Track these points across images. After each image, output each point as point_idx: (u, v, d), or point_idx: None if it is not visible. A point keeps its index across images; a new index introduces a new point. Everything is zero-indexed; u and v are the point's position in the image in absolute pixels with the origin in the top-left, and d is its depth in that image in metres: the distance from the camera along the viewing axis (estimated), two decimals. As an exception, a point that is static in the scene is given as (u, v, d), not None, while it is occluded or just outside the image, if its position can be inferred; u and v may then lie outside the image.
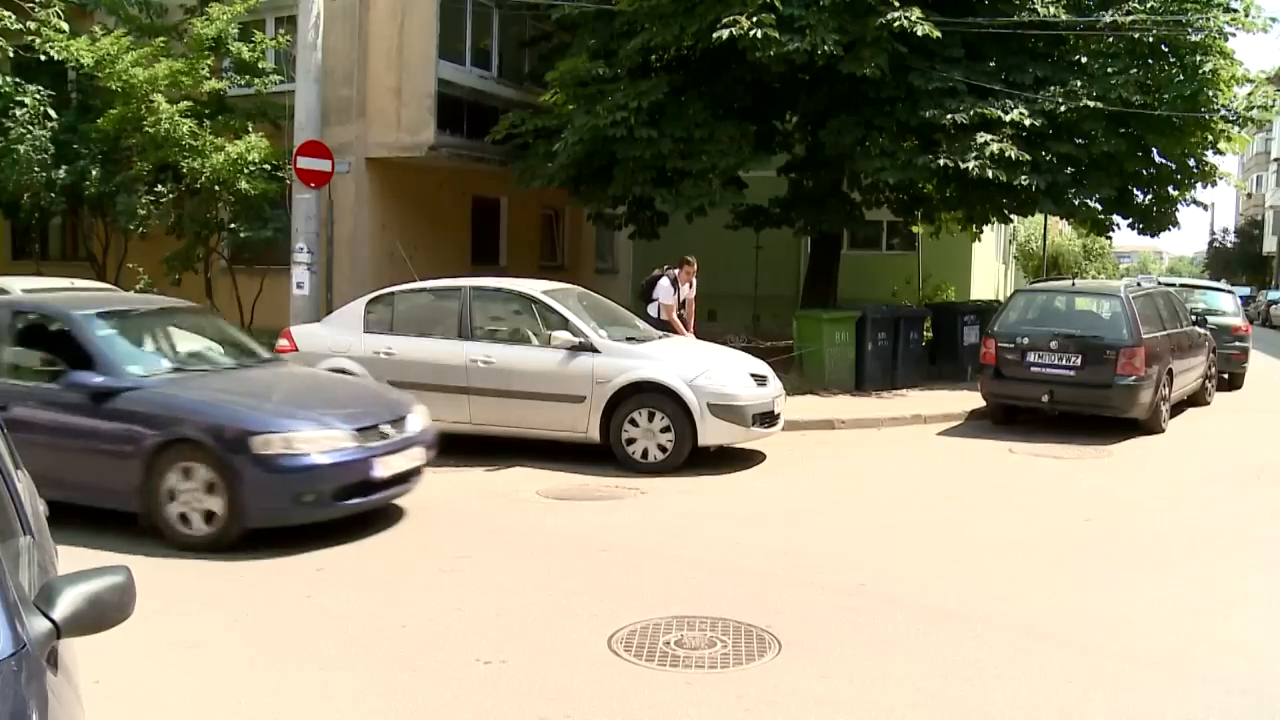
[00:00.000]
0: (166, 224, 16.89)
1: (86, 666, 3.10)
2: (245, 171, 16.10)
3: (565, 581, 6.69)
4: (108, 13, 17.85)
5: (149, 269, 17.03)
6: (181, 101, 16.22)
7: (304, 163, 14.90)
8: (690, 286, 13.94)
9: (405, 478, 8.07)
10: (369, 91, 17.70)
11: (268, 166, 16.39)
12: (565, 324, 10.53)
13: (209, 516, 7.27)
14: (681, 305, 13.72)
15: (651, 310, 13.45)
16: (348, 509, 7.62)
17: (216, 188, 16.27)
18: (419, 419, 8.36)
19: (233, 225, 17.08)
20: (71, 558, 3.88)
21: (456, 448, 10.95)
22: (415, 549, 7.52)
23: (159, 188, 16.61)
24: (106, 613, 2.50)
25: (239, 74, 17.34)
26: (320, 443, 7.42)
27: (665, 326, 12.91)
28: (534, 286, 11.37)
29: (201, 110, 16.67)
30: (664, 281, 13.51)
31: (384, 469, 7.72)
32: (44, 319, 8.29)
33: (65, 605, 2.40)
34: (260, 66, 17.27)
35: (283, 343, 11.70)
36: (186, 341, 9.03)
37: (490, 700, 4.85)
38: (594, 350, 10.35)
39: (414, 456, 8.12)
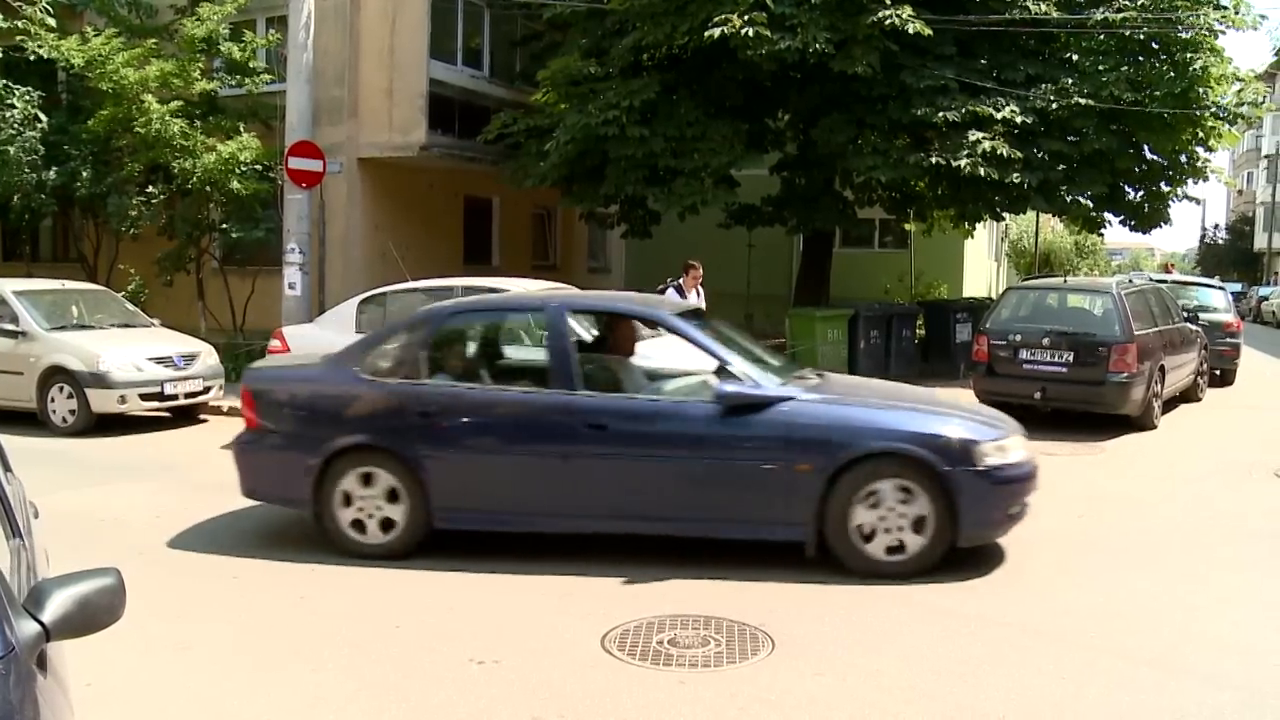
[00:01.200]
0: (158, 225, 16.89)
1: (77, 669, 3.09)
2: (237, 172, 16.10)
3: (558, 581, 6.68)
4: (97, 13, 17.82)
5: (140, 270, 17.04)
6: (172, 102, 16.21)
7: (295, 163, 14.90)
8: (698, 294, 13.40)
9: None
10: (360, 91, 17.69)
11: (259, 167, 16.40)
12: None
13: (902, 541, 6.60)
14: None
15: None
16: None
17: (208, 188, 16.27)
18: None
19: (224, 226, 17.09)
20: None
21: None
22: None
23: (150, 189, 16.63)
24: (96, 615, 2.48)
25: (230, 74, 17.32)
26: (1017, 450, 6.95)
27: None
28: (526, 286, 11.35)
29: (193, 111, 16.66)
30: (669, 294, 13.06)
31: None
32: (620, 320, 7.74)
33: (55, 608, 2.38)
34: (251, 66, 17.25)
35: (274, 343, 11.70)
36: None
37: (484, 700, 4.84)
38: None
39: None
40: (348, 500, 7.09)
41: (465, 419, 7.11)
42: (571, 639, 5.59)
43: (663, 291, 13.22)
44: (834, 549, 6.65)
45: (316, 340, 11.44)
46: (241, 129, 16.74)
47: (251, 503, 8.49)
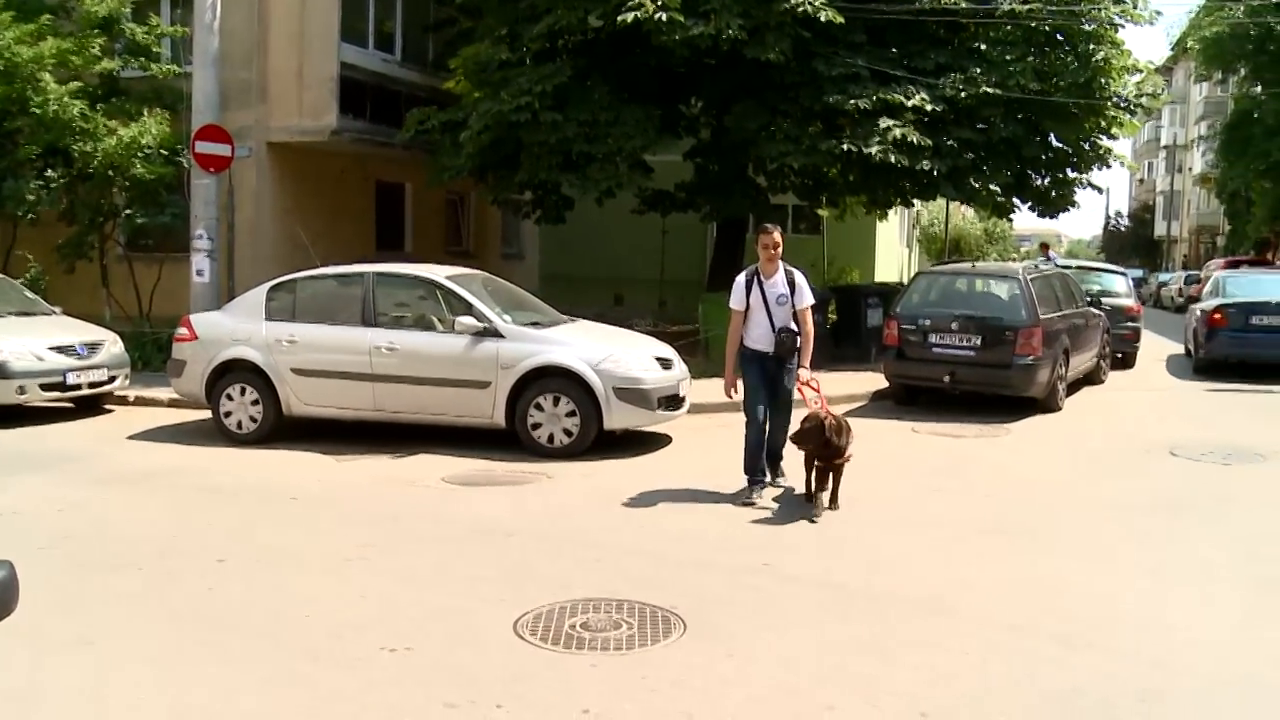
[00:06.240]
0: (58, 210, 16.36)
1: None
2: (140, 155, 15.66)
3: (471, 567, 6.67)
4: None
5: (39, 257, 16.53)
6: (71, 83, 15.73)
7: (202, 147, 14.58)
8: (786, 276, 8.60)
9: None
10: (270, 74, 17.35)
11: (165, 151, 15.97)
12: (469, 309, 10.46)
13: None
14: (796, 323, 8.65)
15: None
16: None
17: (110, 172, 15.80)
18: None
19: (128, 211, 16.62)
20: None
21: (361, 435, 10.88)
22: (319, 538, 7.43)
23: (49, 172, 16.07)
24: (-13, 610, 2.42)
25: (132, 56, 16.84)
26: None
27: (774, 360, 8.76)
28: (438, 272, 11.27)
29: (94, 91, 16.18)
30: (738, 280, 8.78)
31: None
32: None
33: (-58, 603, 2.32)
34: (155, 51, 16.78)
35: (182, 331, 11.48)
36: None
37: (397, 688, 4.81)
38: (499, 335, 10.29)
39: None
40: None
41: None
42: (484, 624, 5.58)
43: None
44: None
45: (225, 328, 11.27)
46: (145, 112, 16.29)
47: (155, 494, 8.32)
